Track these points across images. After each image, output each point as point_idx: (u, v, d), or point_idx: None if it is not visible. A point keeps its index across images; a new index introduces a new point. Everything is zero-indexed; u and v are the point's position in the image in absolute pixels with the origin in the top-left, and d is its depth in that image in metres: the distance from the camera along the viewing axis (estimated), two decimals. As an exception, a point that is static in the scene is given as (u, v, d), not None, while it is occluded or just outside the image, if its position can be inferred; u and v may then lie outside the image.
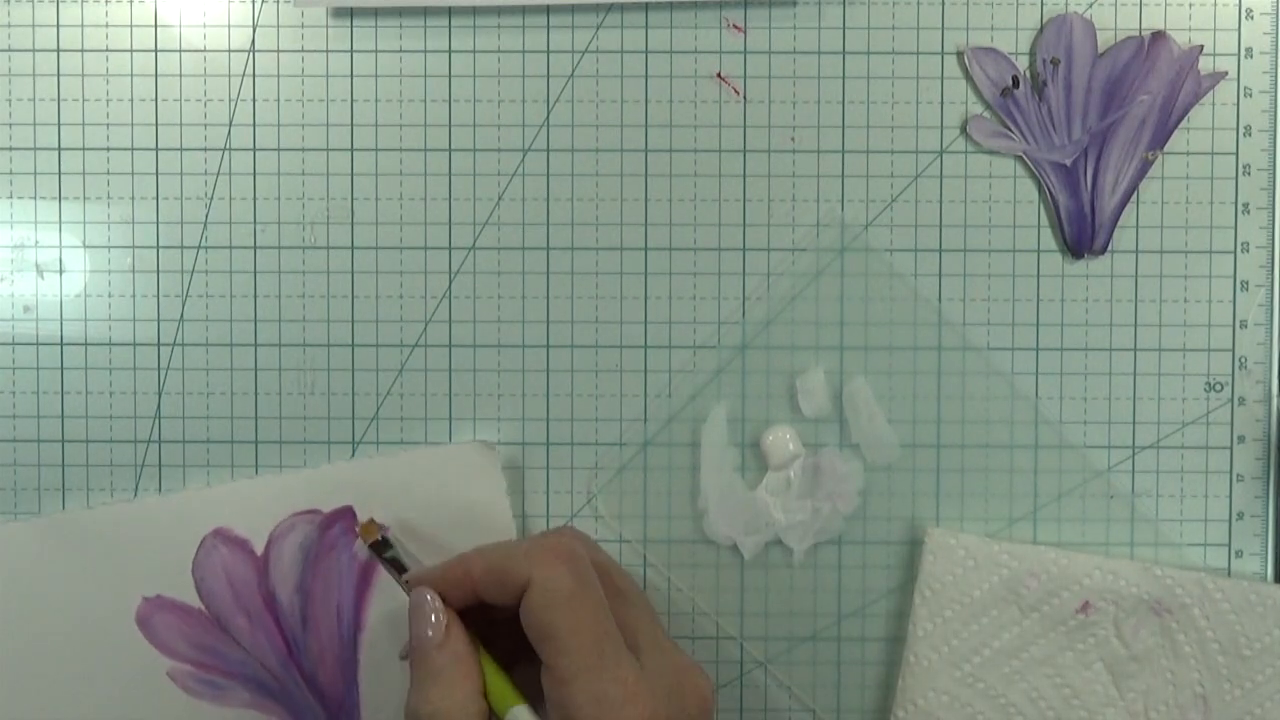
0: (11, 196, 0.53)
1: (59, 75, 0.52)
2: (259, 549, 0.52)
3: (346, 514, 0.52)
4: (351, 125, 0.53)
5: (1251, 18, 0.52)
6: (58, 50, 0.52)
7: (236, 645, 0.52)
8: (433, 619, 0.43)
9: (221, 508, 0.52)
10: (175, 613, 0.52)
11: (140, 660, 0.52)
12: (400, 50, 0.52)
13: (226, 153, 0.53)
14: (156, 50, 0.52)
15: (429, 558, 0.50)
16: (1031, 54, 0.52)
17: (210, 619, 0.52)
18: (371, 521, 0.49)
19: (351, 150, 0.53)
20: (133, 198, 0.53)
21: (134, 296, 0.53)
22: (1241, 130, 0.53)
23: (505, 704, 0.42)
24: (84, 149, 0.52)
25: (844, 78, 0.53)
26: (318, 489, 0.52)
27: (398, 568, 0.47)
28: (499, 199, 0.53)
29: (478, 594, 0.43)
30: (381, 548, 0.48)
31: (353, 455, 0.53)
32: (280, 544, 0.52)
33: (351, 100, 0.53)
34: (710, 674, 0.53)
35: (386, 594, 0.52)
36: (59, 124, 0.53)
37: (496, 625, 0.45)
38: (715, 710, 0.45)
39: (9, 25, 0.52)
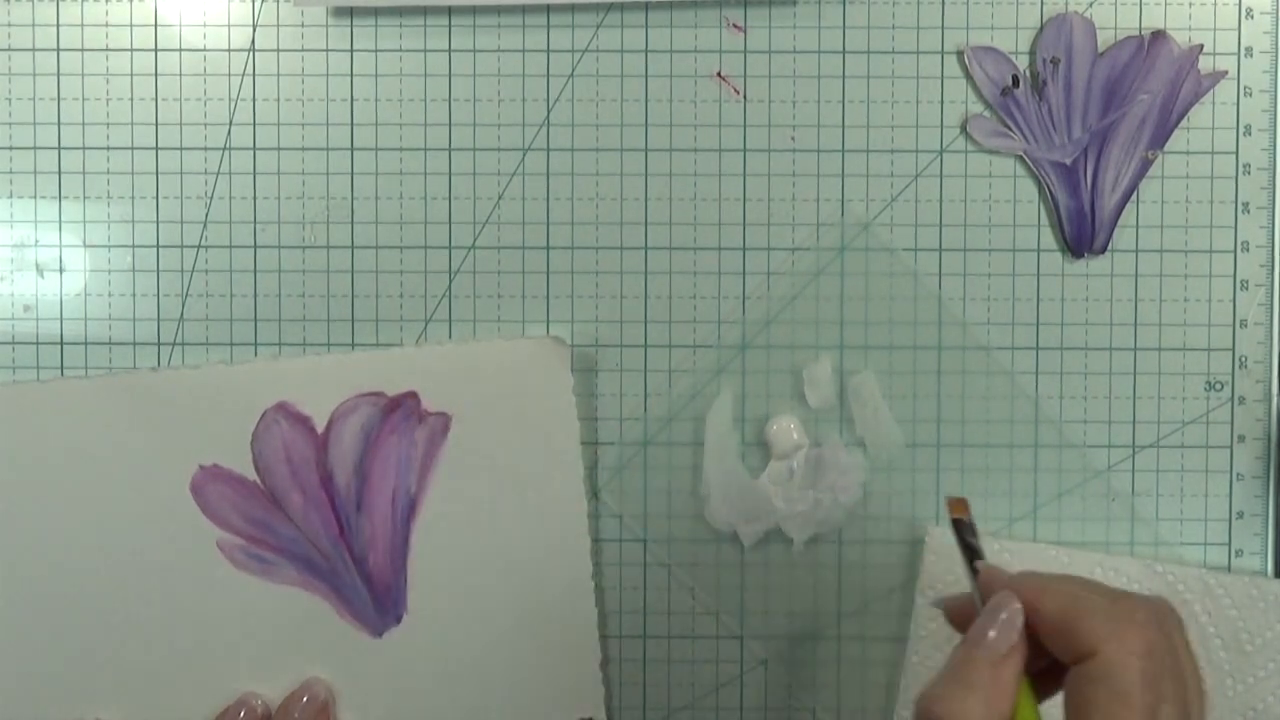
0: (11, 196, 0.53)
1: (59, 75, 0.52)
2: (320, 427, 0.51)
3: (410, 398, 0.51)
4: (351, 125, 0.53)
5: (1251, 17, 0.53)
6: (58, 50, 0.52)
7: (289, 521, 0.52)
8: (1012, 636, 0.38)
9: (286, 382, 0.51)
10: (230, 484, 0.51)
11: (191, 528, 0.51)
12: (400, 50, 0.53)
13: (226, 152, 0.52)
14: (156, 49, 0.52)
15: (490, 447, 0.50)
16: (1031, 53, 0.52)
17: (265, 493, 0.51)
18: (962, 501, 0.44)
19: (351, 150, 0.53)
20: (133, 197, 0.53)
21: (134, 296, 0.53)
22: (1241, 130, 0.53)
23: None
24: (84, 148, 0.52)
25: (844, 77, 0.53)
26: (383, 371, 0.51)
27: (971, 553, 0.43)
28: (499, 198, 0.53)
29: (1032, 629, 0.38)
30: (962, 526, 0.44)
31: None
32: (342, 424, 0.51)
33: (351, 100, 0.53)
34: (711, 673, 0.53)
35: (445, 483, 0.51)
36: (59, 123, 0.53)
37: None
38: None
39: (9, 25, 0.52)
